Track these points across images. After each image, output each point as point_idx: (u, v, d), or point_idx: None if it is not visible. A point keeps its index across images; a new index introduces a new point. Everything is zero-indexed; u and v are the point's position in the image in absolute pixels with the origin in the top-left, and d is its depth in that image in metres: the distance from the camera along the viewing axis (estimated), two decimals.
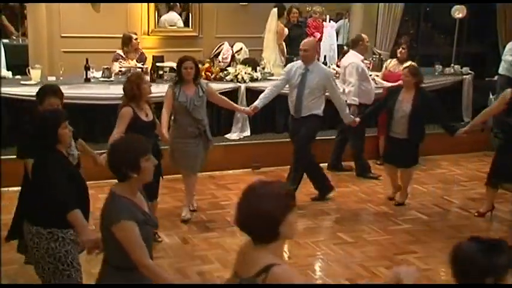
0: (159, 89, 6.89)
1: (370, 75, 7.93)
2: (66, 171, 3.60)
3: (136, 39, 8.16)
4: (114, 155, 3.07)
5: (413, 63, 7.59)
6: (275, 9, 8.88)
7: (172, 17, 9.91)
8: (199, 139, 5.97)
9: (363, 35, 7.79)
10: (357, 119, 6.71)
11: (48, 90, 4.47)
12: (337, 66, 8.65)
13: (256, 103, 6.53)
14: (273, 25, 8.86)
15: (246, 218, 2.37)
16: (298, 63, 6.53)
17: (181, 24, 9.88)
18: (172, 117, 5.99)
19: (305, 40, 6.64)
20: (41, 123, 3.69)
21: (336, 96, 6.53)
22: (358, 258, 5.45)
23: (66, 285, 3.61)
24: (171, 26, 9.82)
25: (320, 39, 10.18)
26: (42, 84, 5.01)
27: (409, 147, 6.57)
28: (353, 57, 7.54)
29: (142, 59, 8.17)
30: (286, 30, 9.09)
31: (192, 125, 5.93)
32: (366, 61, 8.04)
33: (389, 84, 7.83)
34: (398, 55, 8.07)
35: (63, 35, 8.87)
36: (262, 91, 7.92)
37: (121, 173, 3.04)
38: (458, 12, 9.46)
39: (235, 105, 6.61)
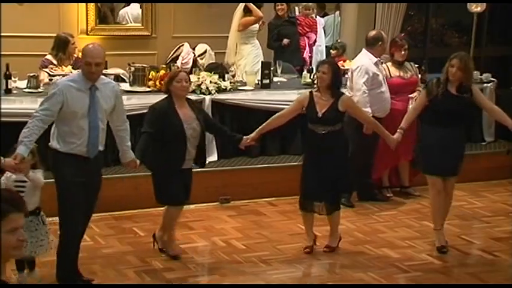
0: None
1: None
2: None
3: (74, 43, 8.12)
4: None
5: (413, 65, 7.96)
6: (242, 4, 8.97)
7: (137, 10, 9.93)
8: None
9: (383, 33, 7.97)
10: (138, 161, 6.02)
11: None
12: None
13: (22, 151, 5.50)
14: (235, 23, 8.91)
15: None
16: (70, 81, 5.68)
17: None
18: None
19: (95, 48, 5.68)
20: None
21: (121, 119, 5.90)
22: None
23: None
24: (136, 23, 9.93)
25: (315, 42, 10.24)
26: None
27: (190, 175, 6.42)
28: (364, 59, 7.73)
29: (78, 65, 7.86)
30: (256, 26, 9.18)
31: None
32: (383, 65, 8.09)
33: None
34: (400, 58, 8.08)
35: None
36: (231, 105, 7.90)
37: None
38: (476, 5, 9.58)
39: None
